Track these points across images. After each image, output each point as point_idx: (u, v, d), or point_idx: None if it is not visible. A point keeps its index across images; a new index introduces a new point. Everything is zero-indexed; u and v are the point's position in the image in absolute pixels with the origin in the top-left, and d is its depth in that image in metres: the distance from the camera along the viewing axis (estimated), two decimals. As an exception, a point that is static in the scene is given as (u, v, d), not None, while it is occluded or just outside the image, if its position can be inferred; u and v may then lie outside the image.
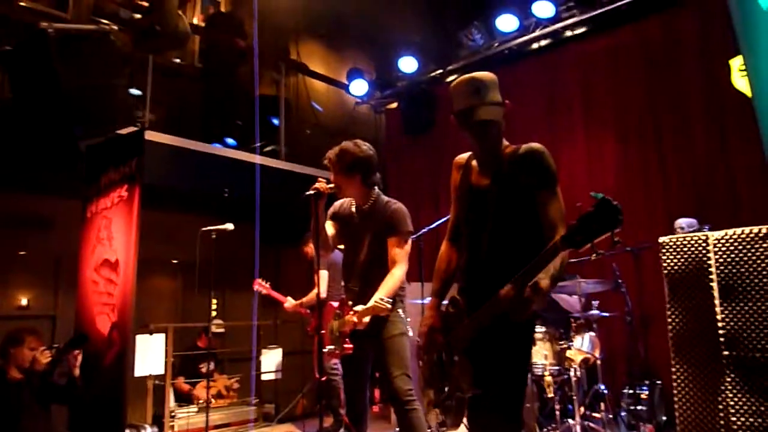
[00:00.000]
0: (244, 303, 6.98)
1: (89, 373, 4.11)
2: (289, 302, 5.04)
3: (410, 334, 3.07)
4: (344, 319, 2.98)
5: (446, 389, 2.29)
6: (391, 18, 6.67)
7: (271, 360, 5.63)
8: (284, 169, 6.56)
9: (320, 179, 3.03)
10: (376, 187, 3.19)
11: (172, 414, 5.15)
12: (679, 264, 3.61)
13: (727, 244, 3.42)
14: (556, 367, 4.32)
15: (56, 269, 5.89)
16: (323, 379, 3.04)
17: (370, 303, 2.86)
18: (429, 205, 6.81)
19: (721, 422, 3.29)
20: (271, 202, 5.36)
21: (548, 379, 4.25)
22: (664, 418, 4.43)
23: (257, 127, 5.87)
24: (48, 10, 5.42)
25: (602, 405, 4.42)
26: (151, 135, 5.19)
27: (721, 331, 3.36)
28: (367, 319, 2.88)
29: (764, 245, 3.26)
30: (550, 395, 4.26)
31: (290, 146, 6.94)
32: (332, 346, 3.04)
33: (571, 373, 4.24)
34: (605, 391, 4.44)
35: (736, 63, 4.46)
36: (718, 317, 3.37)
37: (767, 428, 3.11)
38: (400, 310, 3.07)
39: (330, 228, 3.23)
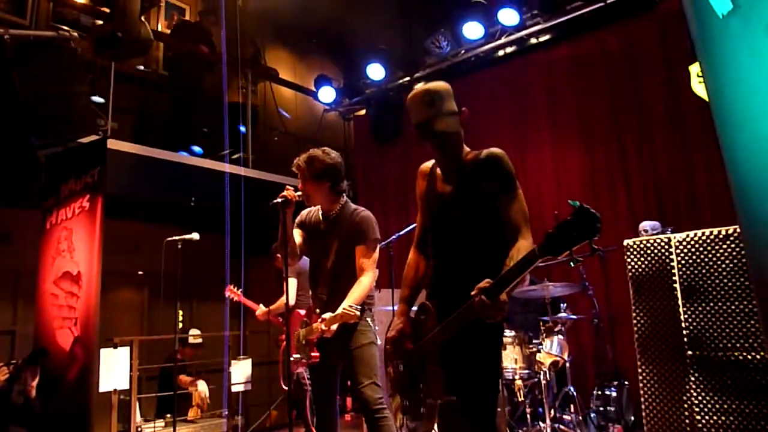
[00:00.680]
0: (210, 314, 6.86)
1: (51, 389, 3.99)
2: (261, 310, 4.98)
3: (378, 342, 3.06)
4: (311, 327, 2.96)
5: (417, 396, 2.28)
6: (359, 25, 6.67)
7: (240, 371, 5.54)
8: (251, 177, 6.49)
9: (288, 187, 3.00)
10: (344, 195, 3.18)
11: (138, 429, 5.02)
12: (643, 266, 3.68)
13: (689, 246, 3.50)
14: (526, 371, 4.34)
15: (15, 283, 5.70)
16: (292, 388, 3.00)
17: (339, 310, 2.84)
18: (398, 211, 6.82)
19: (687, 420, 3.36)
20: (238, 210, 5.30)
21: (518, 382, 4.28)
22: (632, 418, 4.50)
23: (226, 135, 5.80)
24: (5, 16, 5.27)
25: (572, 407, 4.47)
26: (114, 143, 5.08)
27: (684, 332, 3.43)
28: (334, 326, 2.86)
29: (724, 246, 3.35)
30: (521, 399, 4.28)
31: (257, 153, 6.87)
32: (298, 355, 3.01)
33: (541, 376, 4.27)
34: (575, 393, 4.49)
35: (695, 69, 4.58)
36: (682, 318, 3.45)
37: (730, 425, 3.19)
38: (368, 319, 3.05)
39: (297, 236, 3.20)
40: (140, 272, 6.62)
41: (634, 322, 3.68)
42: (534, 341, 4.48)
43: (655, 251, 3.62)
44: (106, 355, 4.80)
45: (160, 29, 6.94)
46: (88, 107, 4.49)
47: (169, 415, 5.17)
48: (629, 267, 3.74)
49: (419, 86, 2.27)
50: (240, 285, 5.21)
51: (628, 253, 3.76)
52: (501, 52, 6.27)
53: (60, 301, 4.26)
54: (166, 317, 5.95)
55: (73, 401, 3.99)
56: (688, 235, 3.50)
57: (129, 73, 6.31)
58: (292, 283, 4.55)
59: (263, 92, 7.58)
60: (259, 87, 7.51)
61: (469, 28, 6.02)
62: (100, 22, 4.31)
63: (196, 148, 6.34)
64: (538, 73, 6.05)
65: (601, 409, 4.51)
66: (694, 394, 3.33)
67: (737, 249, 3.27)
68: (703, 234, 3.43)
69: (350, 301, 2.86)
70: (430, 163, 2.45)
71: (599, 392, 4.57)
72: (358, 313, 2.82)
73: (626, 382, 4.61)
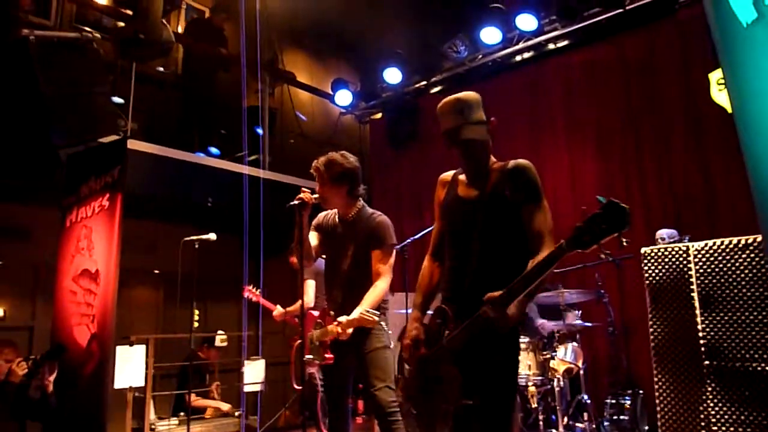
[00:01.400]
0: (226, 314, 6.91)
1: (67, 385, 4.04)
2: (278, 310, 5.00)
3: (391, 346, 3.06)
4: (326, 329, 2.97)
5: (430, 402, 2.28)
6: (376, 29, 6.70)
7: (254, 371, 5.57)
8: (268, 179, 6.53)
9: (304, 189, 3.02)
10: (360, 199, 3.19)
11: (152, 427, 5.06)
12: (661, 274, 3.65)
13: (708, 255, 3.46)
14: (540, 378, 4.33)
15: (34, 279, 5.79)
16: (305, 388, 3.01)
17: (355, 314, 2.85)
18: (412, 215, 6.82)
19: (703, 431, 3.32)
20: (255, 212, 5.33)
21: (532, 389, 4.26)
22: (647, 427, 4.46)
23: (245, 136, 5.85)
24: (30, 18, 5.36)
25: (585, 415, 4.43)
26: (133, 144, 5.14)
27: (701, 341, 3.40)
28: (350, 330, 2.87)
29: (744, 256, 3.31)
30: (534, 405, 4.26)
31: (274, 156, 6.91)
32: (311, 356, 3.02)
33: (555, 384, 4.25)
34: (588, 401, 4.46)
35: (715, 77, 4.54)
36: (699, 327, 3.42)
37: (747, 437, 3.15)
38: (383, 323, 3.06)
39: (313, 239, 3.22)
40: (156, 271, 6.69)
41: (651, 330, 3.65)
42: (548, 348, 4.46)
43: (674, 259, 3.59)
44: (122, 352, 4.85)
45: (180, 31, 7.02)
46: (109, 108, 4.56)
47: (182, 414, 5.21)
48: (647, 275, 3.71)
49: (450, 96, 2.31)
50: (258, 286, 5.24)
51: (646, 261, 3.73)
52: (518, 58, 6.25)
53: (78, 298, 4.31)
54: (181, 316, 6.01)
55: (89, 397, 4.03)
56: (707, 244, 3.47)
57: (149, 74, 6.38)
58: (311, 285, 4.57)
59: (280, 95, 7.63)
60: (276, 90, 7.56)
61: (487, 33, 6.02)
62: (123, 24, 4.36)
63: (213, 150, 6.40)
64: (556, 78, 6.03)
65: (615, 418, 4.47)
66: (711, 404, 3.30)
67: (757, 258, 3.24)
68: (722, 243, 3.40)
69: (366, 305, 2.88)
70: (451, 173, 2.49)
71: (613, 401, 4.53)
72: (375, 318, 2.83)
73: (641, 391, 4.57)
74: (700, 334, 3.40)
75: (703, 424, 3.32)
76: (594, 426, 4.43)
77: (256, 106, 6.92)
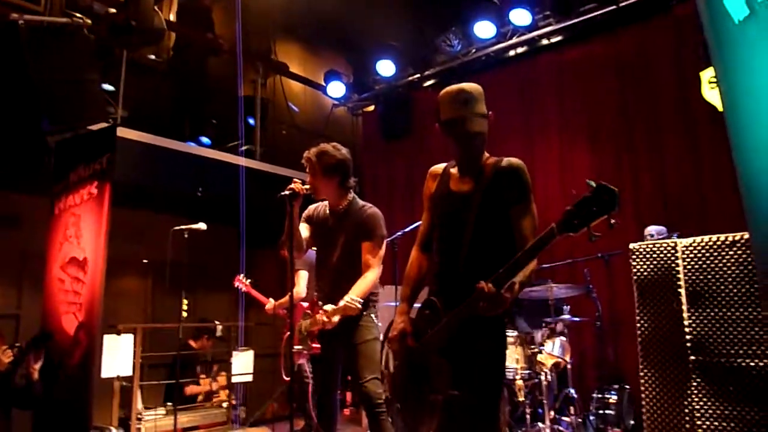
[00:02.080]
0: (215, 304, 6.89)
1: (54, 373, 4.01)
2: (270, 303, 4.98)
3: (381, 338, 3.07)
4: (314, 319, 2.97)
5: (418, 394, 2.29)
6: (370, 21, 6.66)
7: (242, 362, 5.56)
8: (259, 169, 6.50)
9: (295, 180, 3.01)
10: (351, 191, 3.19)
11: (139, 416, 5.05)
12: (649, 270, 3.67)
13: (695, 251, 3.49)
14: (527, 371, 4.35)
15: (21, 267, 5.74)
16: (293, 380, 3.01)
17: (341, 303, 2.85)
18: (404, 208, 6.81)
19: (687, 426, 3.36)
20: (246, 202, 5.31)
21: (519, 383, 4.28)
22: (632, 422, 4.50)
23: (241, 127, 5.82)
24: (20, 2, 5.28)
25: (572, 409, 4.47)
26: (123, 131, 5.10)
27: (688, 337, 3.42)
28: (336, 318, 2.87)
29: (731, 252, 3.34)
30: (521, 399, 4.29)
31: (265, 146, 6.88)
32: (300, 346, 3.02)
33: (542, 377, 4.27)
34: (575, 395, 4.49)
35: (707, 75, 4.56)
36: (686, 323, 3.44)
37: (731, 432, 3.18)
38: (372, 315, 3.07)
39: (304, 230, 3.21)
40: (145, 261, 6.65)
41: (638, 325, 3.67)
42: (536, 342, 4.49)
43: (661, 256, 3.61)
44: (110, 341, 4.82)
45: (172, 19, 6.94)
46: (99, 94, 4.51)
47: (170, 404, 5.20)
48: (635, 270, 3.73)
49: (453, 85, 2.30)
50: (246, 276, 5.22)
51: (634, 257, 3.75)
52: (512, 52, 6.26)
53: (66, 286, 4.28)
54: (170, 306, 5.99)
55: (76, 386, 4.00)
56: (694, 240, 3.49)
57: (137, 62, 6.31)
58: (304, 276, 4.56)
59: (272, 85, 7.59)
60: (268, 80, 7.52)
61: (481, 28, 6.01)
62: (114, 11, 4.31)
63: (204, 139, 6.36)
64: (549, 74, 6.04)
65: (601, 412, 4.50)
66: (696, 399, 3.33)
67: (744, 255, 3.26)
68: (710, 240, 3.43)
69: (353, 294, 2.87)
70: (441, 166, 2.48)
71: (599, 395, 4.57)
72: (360, 306, 2.83)
73: (627, 386, 4.61)
74: (687, 330, 3.43)
75: (687, 418, 3.36)
76: (580, 420, 4.47)
77: (249, 96, 6.88)
